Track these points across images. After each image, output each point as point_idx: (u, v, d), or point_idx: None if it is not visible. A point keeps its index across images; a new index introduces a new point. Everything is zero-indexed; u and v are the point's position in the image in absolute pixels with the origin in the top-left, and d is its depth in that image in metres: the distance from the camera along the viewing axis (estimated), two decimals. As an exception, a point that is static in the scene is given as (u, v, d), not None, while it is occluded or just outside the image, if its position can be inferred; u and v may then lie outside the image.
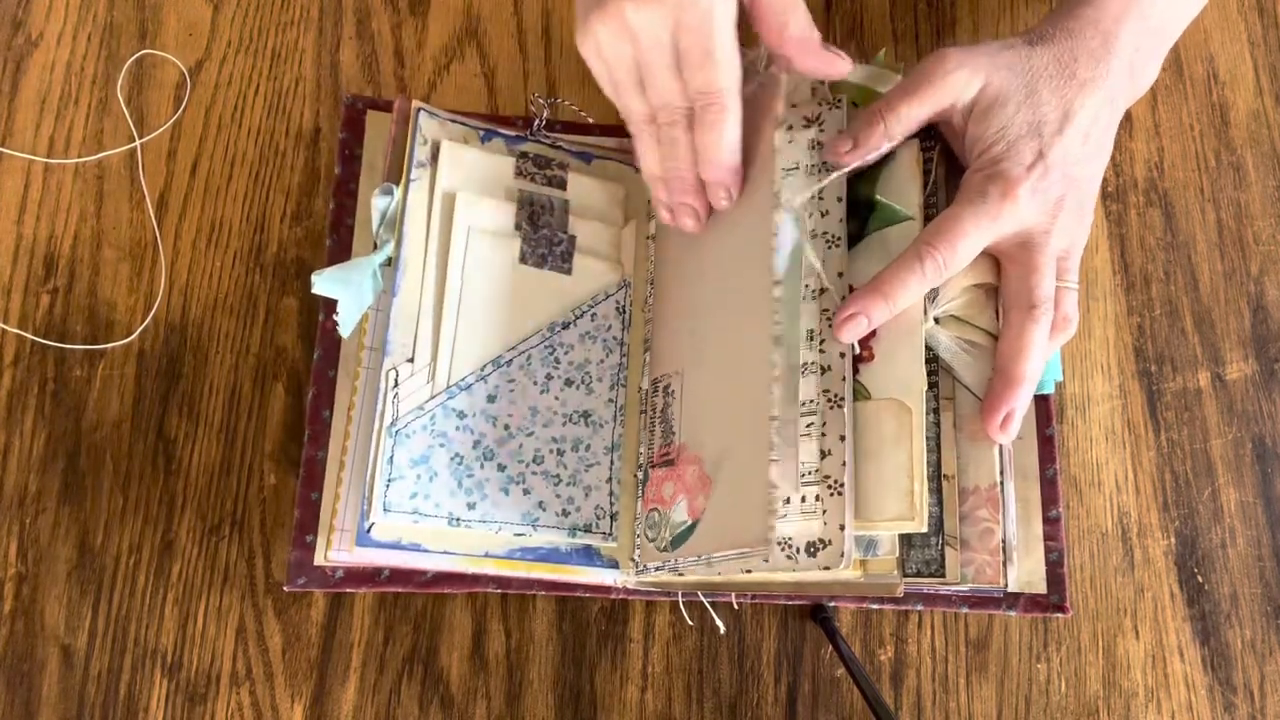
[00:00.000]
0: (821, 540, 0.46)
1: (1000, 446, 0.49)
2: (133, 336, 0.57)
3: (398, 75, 0.63)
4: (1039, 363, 0.48)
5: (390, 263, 0.53)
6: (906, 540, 0.48)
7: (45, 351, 0.57)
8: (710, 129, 0.49)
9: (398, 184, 0.55)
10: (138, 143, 0.61)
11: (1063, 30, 0.49)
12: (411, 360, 0.52)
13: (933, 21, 0.65)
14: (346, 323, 0.51)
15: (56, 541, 0.54)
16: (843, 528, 0.46)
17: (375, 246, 0.54)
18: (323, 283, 0.51)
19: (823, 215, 0.51)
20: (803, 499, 0.47)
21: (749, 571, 0.48)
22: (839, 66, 0.50)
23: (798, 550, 0.47)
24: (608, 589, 0.53)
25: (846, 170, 0.51)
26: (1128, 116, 0.63)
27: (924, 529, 0.46)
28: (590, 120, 0.61)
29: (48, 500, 0.55)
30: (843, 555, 0.46)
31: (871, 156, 0.50)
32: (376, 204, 0.54)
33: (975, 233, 0.47)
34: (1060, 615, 0.52)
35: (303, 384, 0.57)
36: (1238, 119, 0.64)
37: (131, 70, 0.62)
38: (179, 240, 0.59)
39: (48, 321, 0.57)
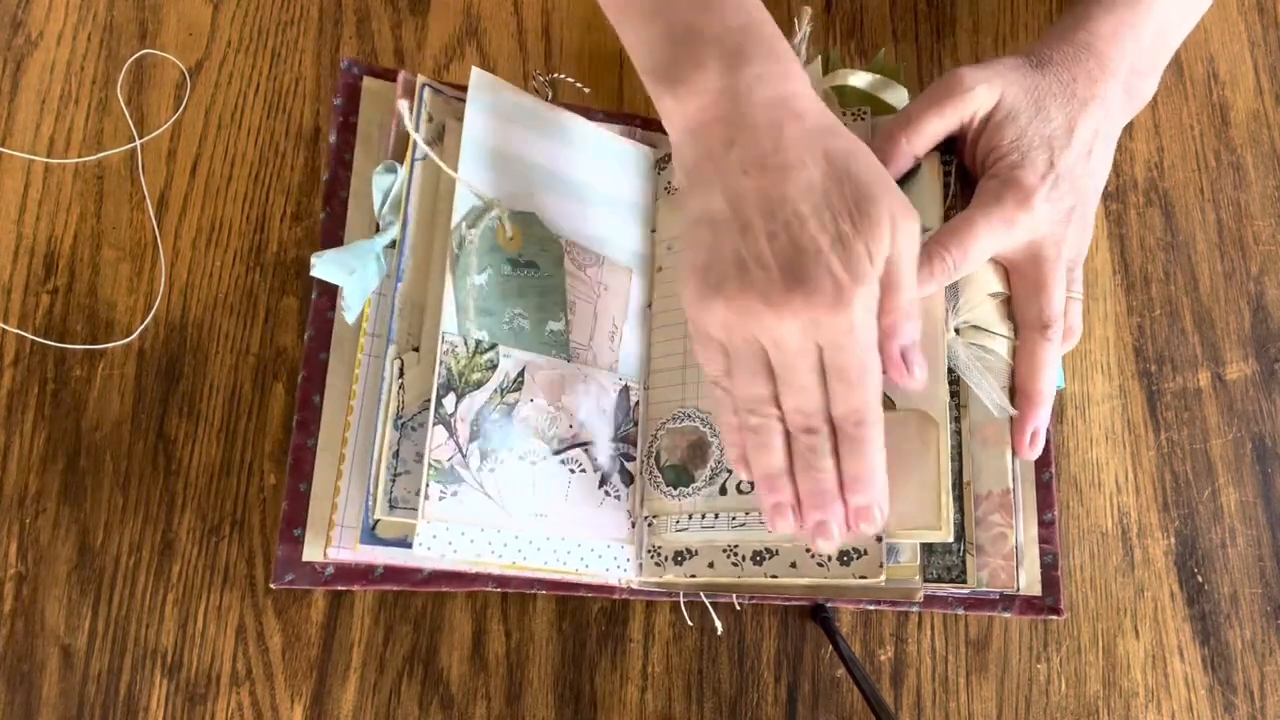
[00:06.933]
0: (855, 550, 0.47)
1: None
2: (133, 336, 0.57)
3: (398, 75, 0.63)
4: (1054, 376, 0.50)
5: (394, 245, 0.51)
6: (928, 547, 0.48)
7: (45, 351, 0.57)
8: (862, 450, 0.43)
9: (400, 161, 0.52)
10: (138, 143, 0.61)
11: (1060, 54, 0.50)
12: (416, 350, 0.50)
13: (932, 21, 0.65)
14: (352, 308, 0.49)
15: (56, 541, 0.54)
16: (880, 539, 0.46)
17: (378, 228, 0.51)
18: (323, 266, 0.48)
19: None
20: None
21: (774, 577, 0.48)
22: (908, 381, 0.45)
23: (829, 558, 0.47)
24: (608, 589, 0.53)
25: None
26: (1128, 116, 0.63)
27: (950, 538, 0.46)
28: (587, 90, 0.60)
29: (48, 500, 0.55)
30: (881, 566, 0.46)
31: (894, 173, 0.51)
32: (378, 182, 0.51)
33: (988, 236, 0.48)
34: (1055, 618, 0.52)
35: (303, 384, 0.57)
36: (1238, 119, 0.64)
37: (131, 70, 0.62)
38: (179, 240, 0.59)
39: (48, 321, 0.57)
